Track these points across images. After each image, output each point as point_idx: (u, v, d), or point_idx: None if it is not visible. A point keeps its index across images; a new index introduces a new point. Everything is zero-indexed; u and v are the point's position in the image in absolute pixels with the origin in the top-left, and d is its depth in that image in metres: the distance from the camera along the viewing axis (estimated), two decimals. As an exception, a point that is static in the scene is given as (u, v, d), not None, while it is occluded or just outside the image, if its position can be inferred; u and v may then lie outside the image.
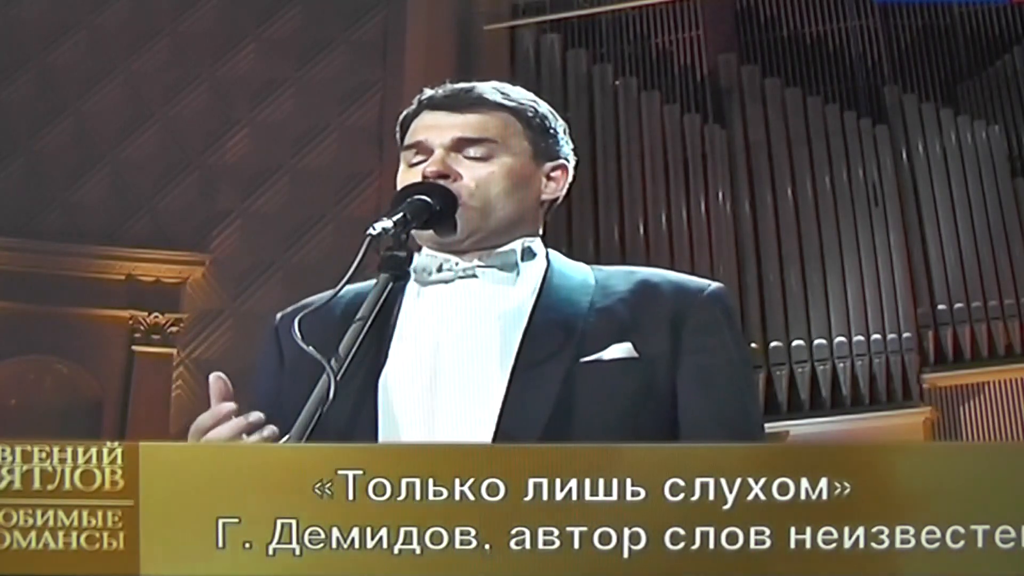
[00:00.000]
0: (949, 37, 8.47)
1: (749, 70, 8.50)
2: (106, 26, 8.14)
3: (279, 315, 1.68)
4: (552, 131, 1.70)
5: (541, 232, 1.72)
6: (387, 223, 1.46)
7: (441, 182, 1.58)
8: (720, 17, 8.80)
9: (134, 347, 7.55)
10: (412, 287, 1.61)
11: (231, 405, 1.35)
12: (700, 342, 1.56)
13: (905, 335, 7.60)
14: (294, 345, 1.49)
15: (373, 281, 1.53)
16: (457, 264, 1.60)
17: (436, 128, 1.63)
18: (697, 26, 8.79)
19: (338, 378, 1.32)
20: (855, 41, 8.63)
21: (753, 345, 7.75)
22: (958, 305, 7.64)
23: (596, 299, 1.59)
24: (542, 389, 1.48)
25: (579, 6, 8.88)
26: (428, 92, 1.69)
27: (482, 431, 1.46)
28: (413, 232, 1.56)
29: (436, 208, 1.53)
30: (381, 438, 1.46)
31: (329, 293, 1.51)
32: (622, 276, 1.65)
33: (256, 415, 1.34)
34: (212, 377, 1.40)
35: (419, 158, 1.63)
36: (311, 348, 1.35)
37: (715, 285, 1.63)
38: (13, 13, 7.95)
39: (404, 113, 1.71)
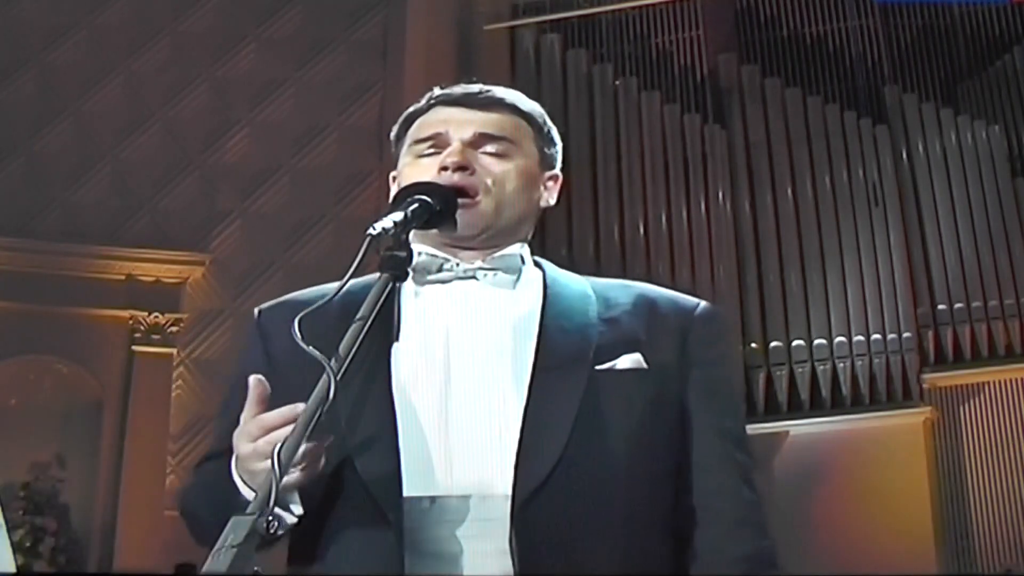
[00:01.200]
0: (949, 37, 8.47)
1: (749, 70, 8.50)
2: (106, 26, 8.14)
3: (258, 310, 1.68)
4: (555, 142, 1.74)
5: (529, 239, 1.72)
6: (387, 223, 1.45)
7: (458, 175, 1.58)
8: (720, 17, 8.80)
9: (134, 347, 7.55)
10: (409, 287, 1.60)
11: (301, 406, 1.35)
12: (703, 357, 1.60)
13: (905, 335, 7.60)
14: (283, 341, 1.48)
15: (370, 278, 1.52)
16: (458, 265, 1.60)
17: (455, 122, 1.64)
18: (697, 26, 8.80)
19: (338, 378, 1.32)
20: (855, 41, 8.63)
21: (753, 345, 7.76)
22: (958, 305, 7.64)
23: (601, 310, 1.60)
24: (565, 395, 1.49)
25: (579, 6, 8.88)
26: (439, 90, 1.70)
27: (499, 434, 1.46)
28: (419, 231, 1.56)
29: (436, 208, 1.53)
30: (401, 441, 1.47)
31: (318, 290, 1.51)
32: (620, 289, 1.66)
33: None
34: (253, 380, 1.39)
35: (433, 151, 1.64)
36: (312, 348, 1.34)
37: (705, 303, 1.67)
38: (13, 13, 7.96)
39: (411, 109, 1.71)
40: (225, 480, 1.43)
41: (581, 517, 1.43)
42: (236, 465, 1.42)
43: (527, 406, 1.47)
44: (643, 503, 1.48)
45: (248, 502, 1.38)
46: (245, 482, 1.41)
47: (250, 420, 1.39)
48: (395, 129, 1.72)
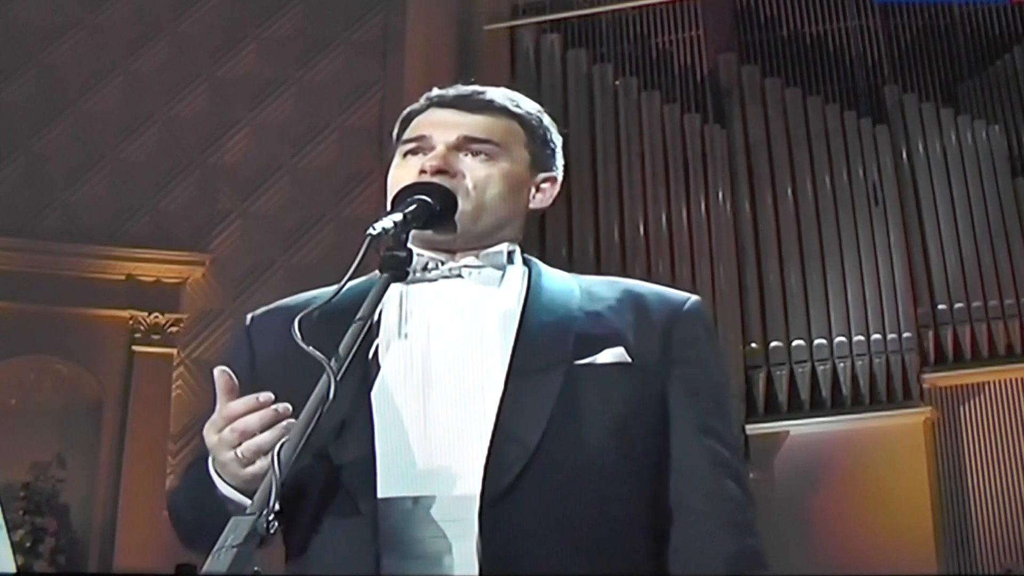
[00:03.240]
0: (949, 37, 8.47)
1: (749, 70, 8.50)
2: (106, 26, 8.14)
3: (250, 316, 1.69)
4: (552, 144, 1.72)
5: (521, 239, 1.71)
6: (387, 223, 1.45)
7: (438, 178, 1.58)
8: (720, 17, 8.80)
9: (134, 347, 7.55)
10: (395, 286, 1.57)
11: (269, 395, 1.34)
12: (687, 354, 1.57)
13: (905, 335, 7.60)
14: (269, 349, 1.50)
15: (362, 280, 1.53)
16: (443, 264, 1.60)
17: (442, 125, 1.64)
18: (697, 26, 8.80)
19: (338, 378, 1.32)
20: (855, 41, 8.63)
21: (753, 345, 7.76)
22: (958, 305, 7.64)
23: (585, 304, 1.59)
24: (541, 391, 1.47)
25: (579, 6, 8.88)
26: (437, 91, 1.70)
27: (477, 432, 1.45)
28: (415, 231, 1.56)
29: (436, 208, 1.53)
30: (378, 440, 1.46)
31: (309, 295, 1.51)
32: (605, 284, 1.65)
33: (284, 405, 1.34)
34: (217, 371, 1.39)
35: (418, 152, 1.64)
36: (311, 348, 1.34)
37: (694, 299, 1.64)
38: (13, 13, 7.95)
39: (409, 109, 1.71)
40: (204, 477, 1.43)
41: (550, 516, 1.41)
42: (212, 459, 1.42)
43: (501, 404, 1.46)
44: (620, 501, 1.46)
45: (224, 496, 1.39)
46: (219, 475, 1.40)
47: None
48: (396, 127, 1.72)
